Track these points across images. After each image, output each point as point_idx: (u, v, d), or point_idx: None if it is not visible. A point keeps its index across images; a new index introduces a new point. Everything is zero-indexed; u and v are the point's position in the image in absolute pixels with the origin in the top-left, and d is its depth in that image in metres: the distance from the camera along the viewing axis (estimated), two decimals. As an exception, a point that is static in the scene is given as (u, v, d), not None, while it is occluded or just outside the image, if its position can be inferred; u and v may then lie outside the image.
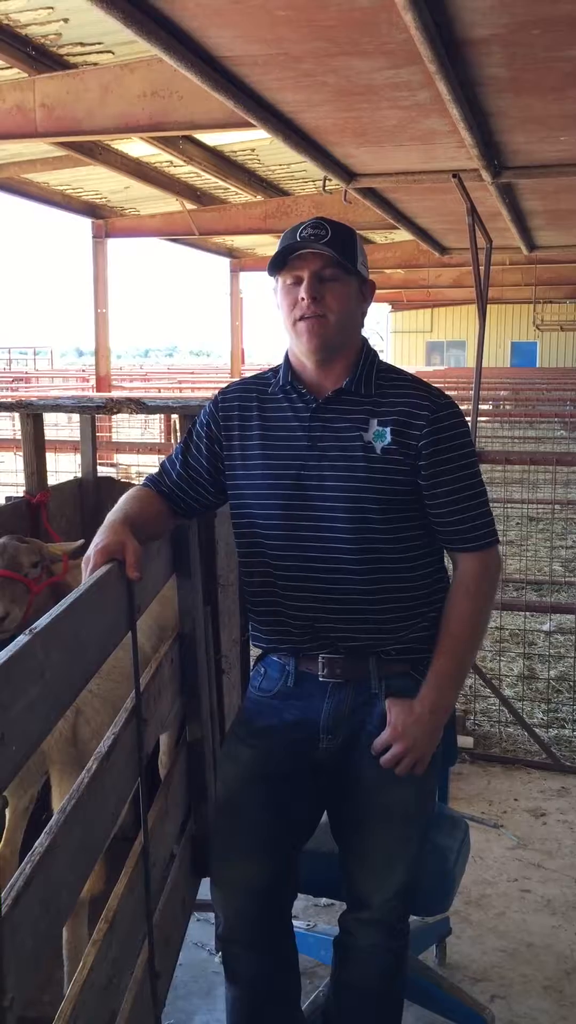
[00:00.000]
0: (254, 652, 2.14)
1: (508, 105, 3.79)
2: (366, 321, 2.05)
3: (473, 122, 3.87)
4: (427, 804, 2.07)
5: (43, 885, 1.32)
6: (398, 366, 2.11)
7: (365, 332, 2.06)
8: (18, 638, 1.28)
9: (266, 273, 1.98)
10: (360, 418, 1.92)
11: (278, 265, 1.91)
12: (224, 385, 2.22)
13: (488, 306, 5.12)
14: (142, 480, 2.16)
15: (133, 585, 1.81)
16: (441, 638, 1.95)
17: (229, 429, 2.02)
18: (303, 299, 1.88)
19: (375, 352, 2.02)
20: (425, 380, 2.04)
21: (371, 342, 2.05)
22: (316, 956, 2.65)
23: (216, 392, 2.12)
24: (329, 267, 1.88)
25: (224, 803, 2.08)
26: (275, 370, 2.03)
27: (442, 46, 3.03)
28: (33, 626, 1.33)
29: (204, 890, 2.55)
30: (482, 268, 5.03)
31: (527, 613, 5.50)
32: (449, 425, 1.91)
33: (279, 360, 2.05)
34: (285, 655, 2.02)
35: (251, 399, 2.02)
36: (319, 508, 1.92)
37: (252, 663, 2.14)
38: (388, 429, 1.90)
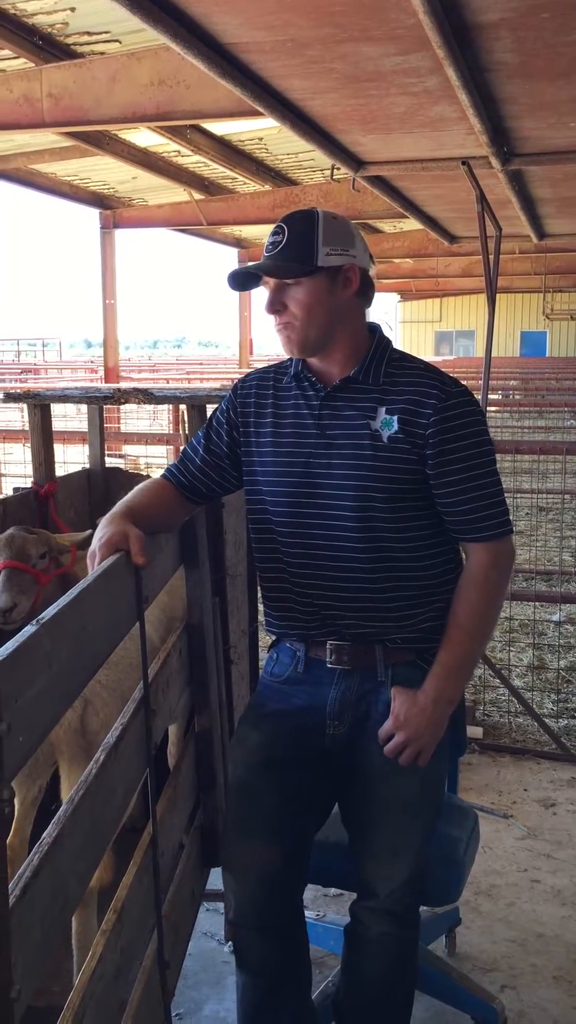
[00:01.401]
0: (264, 641, 2.14)
1: (517, 91, 3.75)
2: (375, 311, 2.05)
3: (482, 108, 3.84)
4: (435, 793, 2.06)
5: (52, 875, 1.32)
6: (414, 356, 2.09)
7: (374, 320, 2.05)
8: (25, 628, 1.27)
9: None
10: (368, 406, 1.92)
11: (255, 278, 1.94)
12: (237, 375, 2.23)
13: (497, 295, 5.09)
14: (152, 471, 2.17)
15: (141, 575, 1.81)
16: (449, 629, 1.94)
17: (246, 416, 2.04)
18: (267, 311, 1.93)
19: (388, 340, 2.01)
20: (441, 370, 2.02)
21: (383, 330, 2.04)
22: (325, 946, 2.65)
23: (236, 380, 2.14)
24: (287, 275, 1.89)
25: (234, 787, 2.09)
26: (292, 359, 2.04)
27: (451, 31, 3.00)
28: (40, 616, 1.33)
29: (213, 880, 2.56)
30: (491, 257, 5.00)
31: (537, 603, 5.48)
32: (459, 413, 1.89)
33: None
34: (295, 641, 2.04)
35: (267, 387, 2.04)
36: (326, 496, 1.92)
37: (267, 649, 2.15)
38: (395, 418, 1.89)
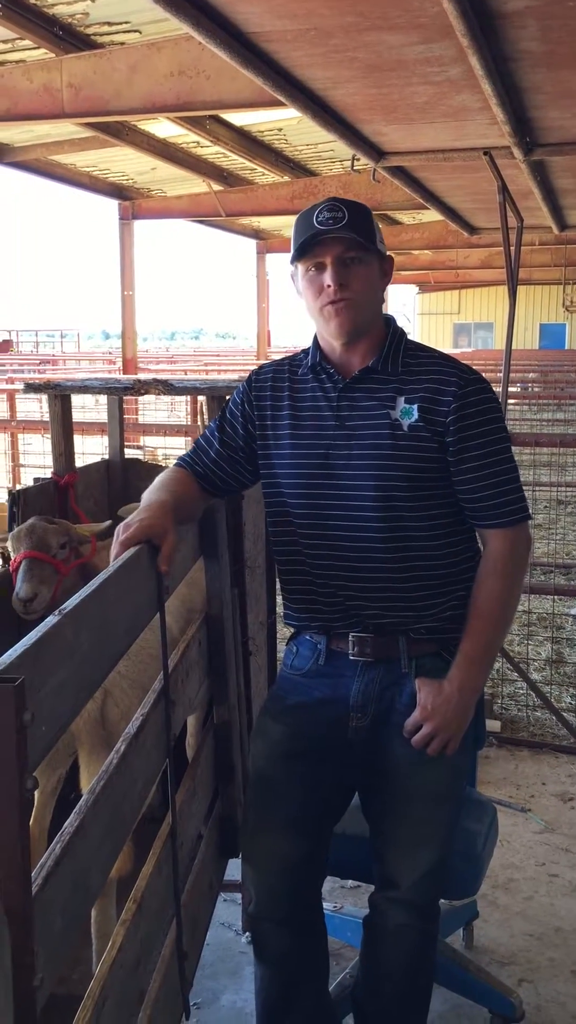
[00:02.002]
0: (284, 633, 2.14)
1: (542, 80, 3.71)
2: (393, 303, 2.05)
3: (506, 98, 3.80)
4: (458, 785, 2.06)
5: (73, 865, 1.32)
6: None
7: (392, 312, 2.04)
8: (48, 619, 1.28)
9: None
10: (387, 396, 1.92)
11: (300, 252, 1.89)
12: (254, 367, 2.22)
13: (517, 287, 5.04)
14: (170, 462, 2.16)
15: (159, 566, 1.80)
16: (470, 618, 1.94)
17: (262, 409, 2.03)
18: (329, 286, 1.88)
19: (402, 331, 2.02)
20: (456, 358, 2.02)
21: (397, 320, 2.04)
22: (343, 938, 2.65)
23: (250, 372, 2.12)
24: (350, 250, 1.87)
25: (255, 779, 2.09)
26: (306, 351, 2.04)
27: (475, 19, 2.97)
28: (62, 607, 1.33)
29: (231, 870, 2.57)
30: (513, 248, 4.95)
31: (555, 597, 5.46)
32: (477, 400, 1.90)
33: (306, 342, 2.05)
34: (316, 633, 2.03)
35: (283, 379, 2.03)
36: (347, 487, 1.92)
37: (286, 642, 2.14)
38: (415, 406, 1.89)
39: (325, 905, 2.41)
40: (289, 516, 2.00)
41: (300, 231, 1.89)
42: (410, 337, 2.04)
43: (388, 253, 1.98)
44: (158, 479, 2.06)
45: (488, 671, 2.02)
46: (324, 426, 1.95)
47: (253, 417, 2.03)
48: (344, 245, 1.86)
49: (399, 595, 1.94)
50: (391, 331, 1.98)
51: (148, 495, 1.97)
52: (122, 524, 1.82)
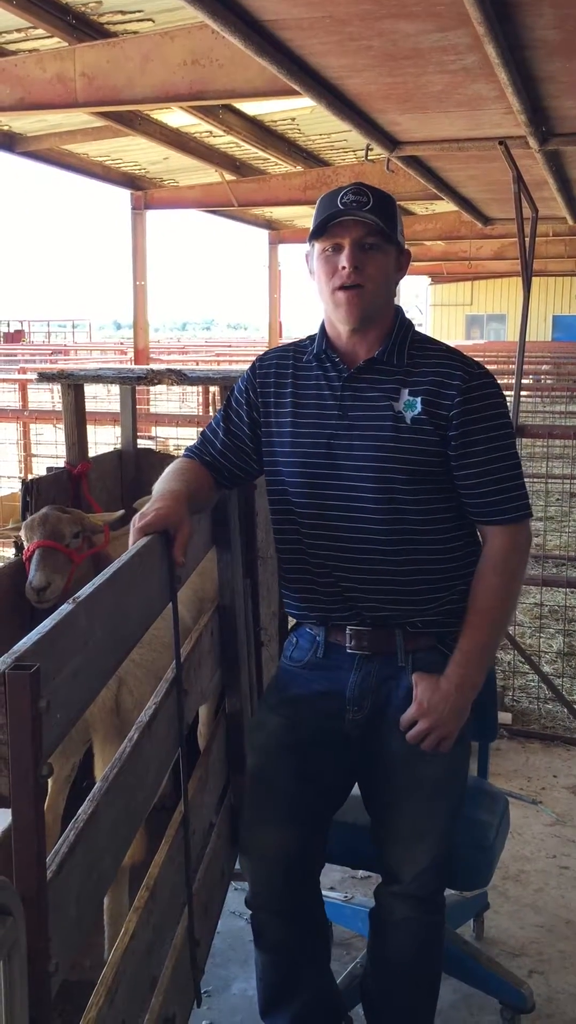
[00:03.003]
0: (292, 624, 2.14)
1: (558, 69, 3.68)
2: (405, 294, 2.03)
3: (521, 87, 3.77)
4: (457, 777, 2.05)
5: (87, 852, 1.33)
6: (436, 338, 2.07)
7: (403, 304, 2.03)
8: (62, 607, 1.28)
9: (306, 244, 1.96)
10: (391, 388, 1.90)
11: (319, 231, 1.88)
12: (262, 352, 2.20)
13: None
14: (181, 453, 2.15)
15: (174, 556, 1.80)
16: (469, 614, 1.92)
17: (266, 396, 2.01)
18: (343, 268, 1.86)
19: (410, 322, 1.99)
20: (463, 352, 2.00)
21: (408, 314, 2.02)
22: (353, 927, 2.66)
23: (255, 359, 2.11)
24: (371, 236, 1.85)
25: (253, 770, 2.09)
26: (312, 338, 2.02)
27: (491, 7, 2.95)
28: (77, 595, 1.33)
29: (242, 860, 2.57)
30: (527, 239, 4.92)
31: (568, 589, 5.44)
32: (481, 396, 1.88)
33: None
34: (315, 625, 2.02)
35: (287, 366, 2.01)
36: (348, 478, 1.91)
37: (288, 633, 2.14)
38: (419, 399, 1.88)
39: (335, 895, 2.43)
40: (290, 505, 1.99)
41: (322, 210, 1.87)
42: (421, 329, 2.02)
43: (407, 247, 1.96)
44: (168, 469, 2.04)
45: (487, 668, 1.99)
46: (327, 415, 1.93)
47: (257, 404, 2.02)
48: (365, 229, 1.84)
49: (399, 587, 1.92)
50: (398, 322, 1.96)
51: (161, 485, 1.96)
52: (138, 514, 1.81)
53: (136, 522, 1.79)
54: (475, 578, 1.94)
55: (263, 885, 2.04)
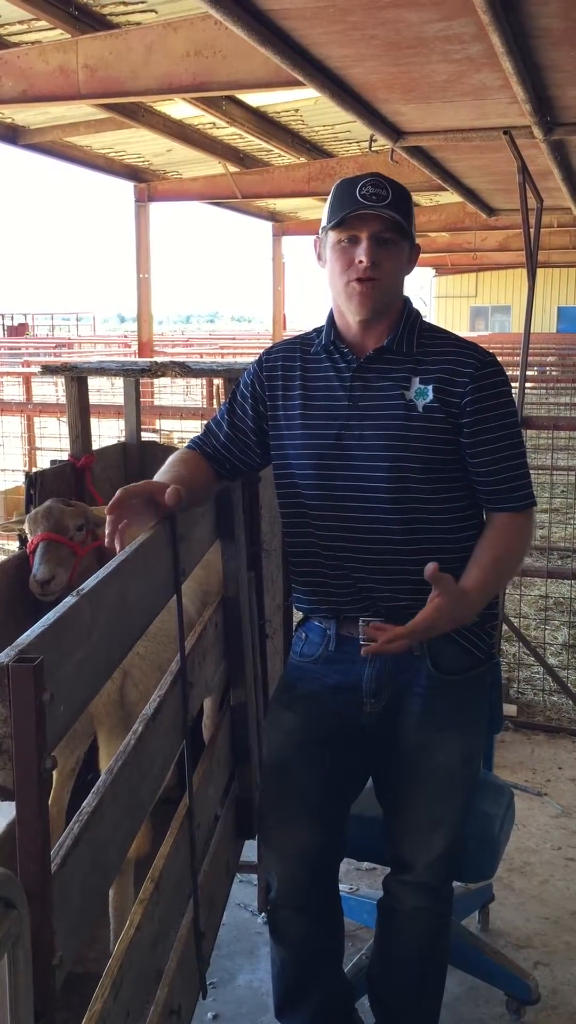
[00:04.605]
0: (299, 616, 2.13)
1: (563, 58, 3.66)
2: (410, 285, 2.02)
3: (526, 76, 3.74)
4: (472, 767, 2.05)
5: (91, 844, 1.33)
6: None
7: (409, 295, 2.03)
8: (65, 599, 1.28)
9: (311, 236, 1.96)
10: (402, 376, 1.90)
11: (338, 223, 1.86)
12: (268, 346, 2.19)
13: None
14: (185, 445, 2.15)
15: (178, 548, 1.80)
16: (477, 551, 1.90)
17: (273, 389, 2.01)
18: (360, 261, 1.85)
19: (417, 311, 1.99)
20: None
21: (413, 303, 2.02)
22: (359, 919, 2.66)
23: (261, 352, 2.10)
24: (388, 231, 1.85)
25: (272, 768, 2.08)
26: (318, 330, 2.01)
27: (495, -5, 2.93)
28: (80, 588, 1.33)
29: (247, 851, 2.58)
30: (532, 230, 4.90)
31: (573, 581, 5.43)
32: (493, 383, 1.89)
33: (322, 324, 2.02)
34: (326, 618, 2.01)
35: (294, 358, 2.01)
36: (360, 468, 1.90)
37: (294, 629, 2.13)
38: (430, 387, 1.87)
39: (341, 887, 2.42)
40: (300, 497, 1.98)
41: (341, 201, 1.85)
42: (426, 320, 2.01)
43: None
44: (169, 460, 2.04)
45: (484, 601, 1.93)
46: (337, 406, 1.93)
47: (264, 397, 2.01)
48: (383, 224, 1.84)
49: (412, 576, 1.91)
50: (406, 311, 1.96)
51: (161, 475, 1.96)
52: (109, 505, 1.75)
53: (107, 513, 1.73)
54: (478, 543, 1.91)
55: (288, 882, 2.05)
